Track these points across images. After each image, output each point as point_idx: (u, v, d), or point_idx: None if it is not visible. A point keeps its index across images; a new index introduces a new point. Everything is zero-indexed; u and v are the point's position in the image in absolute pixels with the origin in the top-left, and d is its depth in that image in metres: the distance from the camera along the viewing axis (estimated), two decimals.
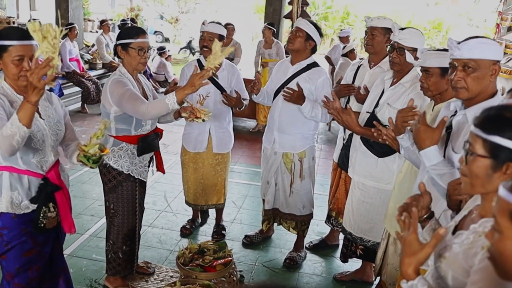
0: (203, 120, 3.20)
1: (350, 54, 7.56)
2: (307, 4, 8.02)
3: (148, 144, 3.15)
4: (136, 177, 3.16)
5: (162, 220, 4.52)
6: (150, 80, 9.82)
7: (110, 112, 2.98)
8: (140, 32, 3.03)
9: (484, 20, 23.55)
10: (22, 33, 2.20)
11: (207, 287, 3.03)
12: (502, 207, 1.05)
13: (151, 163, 3.30)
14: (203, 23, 3.69)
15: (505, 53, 6.65)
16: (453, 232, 1.57)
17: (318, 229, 4.49)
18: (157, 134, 3.22)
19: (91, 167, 2.44)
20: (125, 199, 3.16)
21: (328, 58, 8.69)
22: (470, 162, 1.43)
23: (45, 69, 1.98)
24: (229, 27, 7.40)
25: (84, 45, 9.80)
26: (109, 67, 9.03)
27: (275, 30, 7.63)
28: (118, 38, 3.04)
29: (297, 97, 3.50)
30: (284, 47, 7.56)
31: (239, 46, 7.71)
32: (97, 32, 19.27)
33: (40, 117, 2.35)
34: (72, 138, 2.60)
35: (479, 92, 2.09)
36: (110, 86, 2.95)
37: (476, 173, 1.42)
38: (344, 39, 8.79)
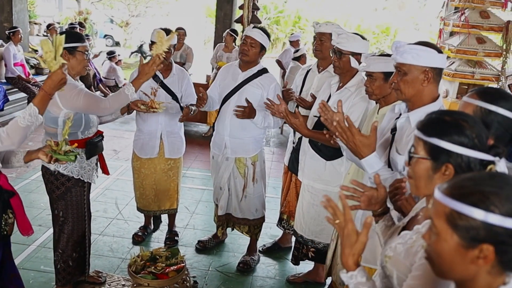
0: (161, 111, 3.39)
1: (301, 59, 7.68)
2: (258, 9, 8.08)
3: (95, 146, 3.14)
4: (85, 180, 3.12)
5: (113, 227, 4.44)
6: (100, 85, 9.62)
7: (59, 116, 2.93)
8: (83, 36, 3.11)
9: (430, 25, 24.44)
10: None
11: None
12: (437, 209, 1.10)
13: (96, 165, 3.26)
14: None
15: (448, 57, 6.93)
16: (399, 233, 1.62)
17: (271, 232, 4.53)
18: (101, 135, 3.21)
19: (71, 161, 2.50)
20: (74, 205, 3.11)
21: (279, 62, 8.78)
22: (413, 164, 1.49)
23: None
24: (180, 31, 7.36)
25: (30, 49, 9.49)
26: None
27: (236, 36, 7.65)
28: None
29: (249, 112, 3.53)
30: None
31: (190, 50, 7.68)
32: (44, 35, 18.73)
33: None
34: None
35: (412, 96, 2.17)
36: None
37: (419, 174, 1.49)
38: (294, 43, 8.92)
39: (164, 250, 3.42)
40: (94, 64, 9.44)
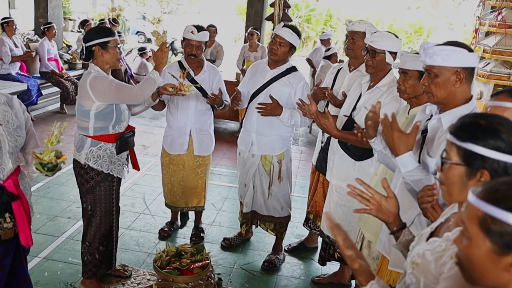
0: (189, 93, 3.42)
1: (332, 57, 7.60)
2: (289, 7, 8.03)
3: (126, 141, 3.17)
4: (115, 175, 3.16)
5: (140, 222, 4.48)
6: (131, 80, 9.73)
7: (91, 109, 2.99)
8: (112, 30, 3.16)
9: (464, 25, 23.91)
10: None
11: None
12: (471, 213, 1.05)
13: (127, 161, 3.29)
14: (192, 32, 3.67)
15: (483, 58, 6.75)
16: (428, 239, 1.57)
17: (297, 232, 4.50)
18: (133, 131, 3.24)
19: (46, 175, 2.39)
20: (102, 199, 3.15)
21: (309, 61, 8.72)
22: (446, 170, 1.44)
23: None
24: (210, 29, 7.37)
25: (64, 45, 9.67)
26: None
27: (259, 33, 7.64)
28: (90, 40, 3.03)
29: (273, 109, 3.50)
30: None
31: (221, 48, 7.70)
32: (78, 31, 19.08)
33: None
34: (33, 146, 2.55)
35: (445, 98, 2.11)
36: (91, 82, 2.97)
37: (452, 181, 1.43)
38: (325, 42, 8.84)
39: (190, 246, 3.43)
40: (125, 60, 9.56)
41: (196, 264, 3.24)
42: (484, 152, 1.36)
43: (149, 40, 21.42)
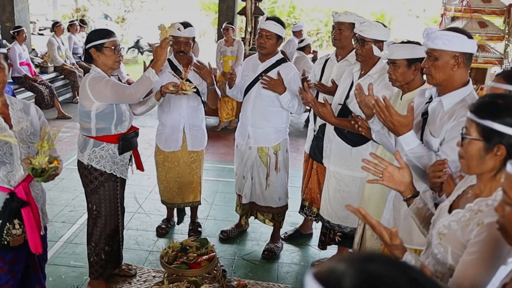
0: (190, 92, 3.43)
1: (306, 48, 7.73)
2: (260, 0, 8.11)
3: (128, 142, 3.19)
4: (118, 176, 3.19)
5: (136, 221, 4.50)
6: None
7: (91, 110, 3.01)
8: (110, 32, 3.13)
9: (423, 10, 24.45)
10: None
11: (194, 284, 3.08)
12: (511, 182, 1.17)
13: (130, 161, 3.32)
14: (179, 29, 3.70)
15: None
16: (449, 211, 1.70)
17: (290, 220, 4.60)
18: (136, 132, 3.25)
19: (37, 181, 2.33)
20: (107, 200, 3.17)
21: (283, 53, 8.79)
22: (466, 145, 1.56)
23: None
24: None
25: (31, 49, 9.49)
26: (61, 70, 8.80)
27: (235, 28, 7.70)
28: (88, 42, 3.05)
29: (276, 85, 3.58)
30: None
31: (196, 45, 7.69)
32: (39, 34, 18.61)
33: (11, 128, 2.29)
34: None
35: (443, 80, 2.25)
36: (90, 83, 2.99)
37: (470, 155, 1.56)
38: (297, 33, 8.96)
39: (193, 240, 3.50)
40: None
41: (203, 257, 3.30)
42: (501, 128, 1.49)
43: None
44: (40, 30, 19.87)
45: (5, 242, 2.28)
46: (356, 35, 3.25)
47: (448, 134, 2.20)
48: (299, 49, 7.85)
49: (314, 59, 8.64)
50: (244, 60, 7.60)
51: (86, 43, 3.04)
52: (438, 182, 2.06)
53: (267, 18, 3.77)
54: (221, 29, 7.83)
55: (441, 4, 7.89)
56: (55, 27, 8.58)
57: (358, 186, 3.37)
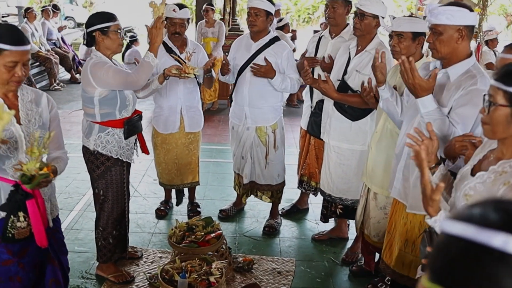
0: (194, 75, 3.46)
1: (285, 28, 7.77)
2: None
3: (133, 126, 3.20)
4: (124, 160, 3.20)
5: (134, 205, 4.51)
6: (80, 67, 9.47)
7: (94, 95, 3.01)
8: (114, 15, 3.10)
9: None
10: (19, 37, 2.10)
11: (204, 261, 3.15)
12: None
13: (135, 145, 3.33)
14: (174, 10, 3.69)
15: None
16: (472, 174, 1.80)
17: (286, 196, 4.67)
18: (140, 115, 3.26)
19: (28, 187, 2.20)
20: (114, 184, 3.19)
21: None
22: (492, 111, 1.65)
23: None
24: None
25: None
26: (36, 57, 8.60)
27: (215, 9, 7.66)
28: (91, 25, 3.02)
29: (267, 71, 3.63)
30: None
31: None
32: (3, 22, 17.97)
33: (18, 121, 2.22)
34: (55, 147, 2.40)
35: (448, 53, 2.35)
36: (91, 68, 2.97)
37: (498, 120, 1.64)
38: (275, 13, 8.96)
39: (199, 219, 3.56)
40: (71, 47, 9.27)
41: (211, 235, 3.37)
42: None
43: (79, 25, 20.63)
44: (3, 16, 19.22)
45: (10, 235, 2.23)
46: (356, 9, 3.31)
47: (456, 103, 2.31)
48: (278, 28, 7.88)
49: (293, 38, 8.70)
50: (224, 41, 7.63)
51: (89, 26, 3.01)
52: (464, 153, 2.16)
53: None
54: (201, 11, 7.78)
55: None
56: (27, 13, 8.36)
57: (358, 159, 3.48)
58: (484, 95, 1.72)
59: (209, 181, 5.12)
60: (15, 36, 2.09)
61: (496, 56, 7.61)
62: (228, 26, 7.73)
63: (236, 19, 8.32)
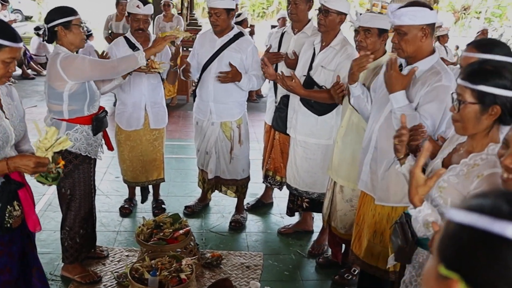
0: (161, 70, 3.51)
1: (243, 23, 7.76)
2: None
3: (101, 122, 3.16)
4: (92, 157, 3.15)
5: (97, 203, 4.25)
6: (31, 62, 9.15)
7: (64, 90, 2.93)
8: (74, 9, 3.03)
9: None
10: (16, 33, 2.10)
11: (174, 258, 3.14)
12: None
13: (101, 142, 3.28)
14: (138, 6, 3.64)
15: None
16: (443, 167, 1.88)
17: (250, 191, 4.69)
18: (105, 111, 3.22)
19: (50, 185, 2.36)
20: (81, 182, 3.13)
21: None
22: (462, 109, 1.72)
23: None
24: (122, 2, 7.18)
25: None
26: None
27: (172, 3, 7.58)
28: (52, 20, 2.94)
29: (234, 76, 3.64)
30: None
31: None
32: None
33: (6, 117, 2.20)
34: (26, 140, 2.44)
35: (413, 52, 2.44)
36: (62, 62, 2.90)
37: (468, 117, 1.72)
38: None
39: (166, 216, 3.53)
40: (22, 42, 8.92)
41: (179, 231, 3.36)
42: (494, 91, 1.66)
43: (27, 18, 19.88)
44: None
45: (8, 225, 2.26)
46: (320, 5, 3.36)
47: (423, 99, 2.40)
48: (236, 23, 7.84)
49: (251, 33, 8.72)
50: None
51: (49, 21, 2.92)
52: (415, 145, 2.25)
53: None
54: (160, 5, 7.67)
55: None
56: None
57: (323, 153, 3.54)
58: (452, 93, 1.79)
59: (172, 178, 5.08)
60: (14, 32, 2.10)
61: (447, 51, 7.89)
62: (186, 21, 7.66)
63: (194, 14, 8.25)
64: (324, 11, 3.31)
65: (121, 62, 3.02)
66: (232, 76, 3.64)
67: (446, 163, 1.91)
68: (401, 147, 2.07)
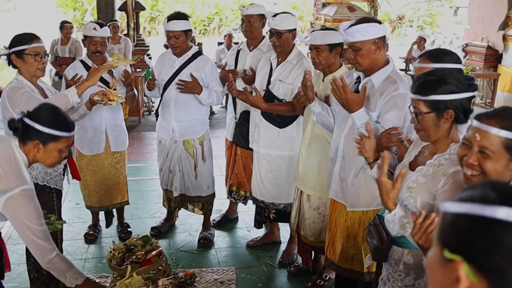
0: (117, 102, 3.33)
1: (191, 41, 7.83)
2: None
3: None
4: (52, 187, 3.09)
5: None
6: None
7: None
8: (33, 37, 2.97)
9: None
10: (70, 123, 2.29)
11: (148, 280, 3.12)
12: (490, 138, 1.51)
13: (65, 171, 3.22)
14: (95, 29, 3.63)
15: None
16: (410, 169, 2.02)
17: (214, 207, 4.72)
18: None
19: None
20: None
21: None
22: (420, 119, 1.88)
23: None
24: (67, 25, 7.06)
25: None
26: None
27: (119, 25, 7.53)
28: (10, 46, 2.90)
29: (193, 87, 3.69)
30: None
31: (78, 44, 7.35)
32: None
33: None
34: None
35: (369, 64, 2.59)
36: (8, 93, 2.87)
37: (427, 126, 1.88)
38: None
39: (136, 239, 3.51)
40: None
41: (151, 253, 3.35)
42: (444, 97, 1.84)
43: None
44: None
45: None
46: (270, 29, 3.48)
47: (383, 108, 2.55)
48: None
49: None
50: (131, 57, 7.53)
51: (9, 47, 2.88)
52: (391, 146, 2.39)
53: (168, 19, 3.77)
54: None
55: None
56: None
57: (287, 164, 3.65)
58: (409, 106, 1.95)
59: (134, 200, 5.02)
60: (69, 122, 2.26)
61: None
62: (134, 42, 7.63)
63: (141, 35, 8.23)
64: (276, 34, 3.44)
65: (53, 101, 2.85)
66: (191, 86, 3.68)
67: (413, 165, 2.05)
68: (365, 152, 2.22)
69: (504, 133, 1.50)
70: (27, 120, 2.18)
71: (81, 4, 22.49)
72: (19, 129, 2.18)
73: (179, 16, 3.79)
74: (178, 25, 3.71)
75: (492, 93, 9.19)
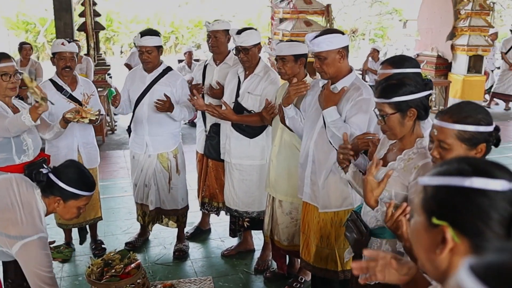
0: (90, 120, 3.33)
1: None
2: (99, 15, 8.04)
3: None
4: None
5: None
6: None
7: None
8: (2, 56, 2.99)
9: (233, 16, 25.94)
10: (92, 183, 2.41)
11: None
12: (446, 132, 1.70)
13: None
14: (63, 44, 3.68)
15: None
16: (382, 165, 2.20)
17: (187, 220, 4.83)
18: (44, 159, 3.17)
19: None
20: None
21: (128, 65, 8.85)
22: (387, 120, 2.08)
23: None
24: (25, 46, 7.02)
25: None
26: None
27: (80, 45, 7.52)
28: None
29: (169, 106, 3.78)
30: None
31: (39, 65, 7.35)
32: None
33: None
34: None
35: (334, 72, 2.79)
36: None
37: (394, 126, 2.08)
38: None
39: (114, 253, 3.54)
40: None
41: (130, 266, 3.39)
42: (405, 98, 2.05)
43: None
44: None
45: None
46: (238, 46, 3.62)
47: (349, 113, 2.73)
48: None
49: None
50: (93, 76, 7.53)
51: None
52: (366, 148, 2.56)
53: (142, 34, 3.86)
54: None
55: (270, 7, 8.81)
56: None
57: (258, 173, 3.79)
58: (374, 110, 2.15)
59: (106, 217, 4.99)
60: (91, 182, 2.37)
61: None
62: (95, 61, 7.64)
63: (101, 54, 8.24)
64: (243, 50, 3.59)
65: (10, 124, 2.90)
66: (167, 105, 3.77)
67: (384, 162, 2.23)
68: (345, 160, 2.39)
69: (457, 126, 1.70)
70: (52, 177, 2.28)
71: (33, 26, 22.13)
72: (43, 182, 2.28)
73: (152, 32, 3.91)
74: (150, 41, 3.81)
75: (444, 99, 9.67)
